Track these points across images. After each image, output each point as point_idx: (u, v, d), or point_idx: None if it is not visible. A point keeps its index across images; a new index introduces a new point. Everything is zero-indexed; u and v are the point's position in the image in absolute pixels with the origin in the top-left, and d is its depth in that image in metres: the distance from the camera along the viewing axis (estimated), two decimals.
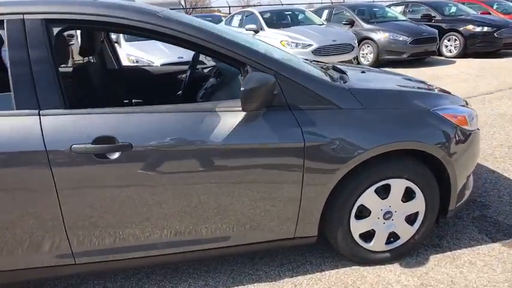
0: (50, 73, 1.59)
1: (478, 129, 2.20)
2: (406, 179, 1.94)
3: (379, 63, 8.43)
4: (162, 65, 5.67)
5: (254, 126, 1.72)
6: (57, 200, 1.62)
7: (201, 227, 1.81)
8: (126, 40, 6.83)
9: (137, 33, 1.73)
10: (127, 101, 3.00)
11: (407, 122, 1.89)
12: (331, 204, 1.92)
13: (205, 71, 3.00)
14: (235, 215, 1.81)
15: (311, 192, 1.83)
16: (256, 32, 8.11)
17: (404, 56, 8.18)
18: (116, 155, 1.62)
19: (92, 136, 1.60)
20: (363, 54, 8.69)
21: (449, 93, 2.32)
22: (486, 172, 3.13)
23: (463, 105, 2.20)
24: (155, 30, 1.68)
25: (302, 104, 1.79)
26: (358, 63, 8.64)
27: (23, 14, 1.60)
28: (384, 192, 1.96)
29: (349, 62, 7.58)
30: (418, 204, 2.02)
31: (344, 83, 2.02)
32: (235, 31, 2.48)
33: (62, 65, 2.18)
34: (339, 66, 2.51)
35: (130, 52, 6.26)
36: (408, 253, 2.15)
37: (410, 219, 2.07)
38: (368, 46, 8.56)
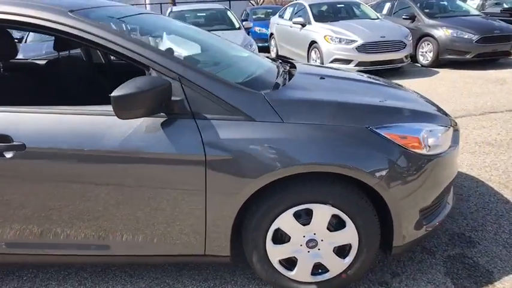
0: None
1: (450, 148, 1.84)
2: (332, 206, 1.69)
3: (438, 62, 7.60)
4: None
5: (151, 134, 1.61)
6: None
7: (90, 232, 1.75)
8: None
9: (37, 30, 1.71)
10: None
11: (332, 141, 1.63)
12: (245, 224, 1.75)
13: None
14: (134, 224, 1.73)
15: (217, 209, 1.68)
16: (303, 25, 7.84)
17: (468, 56, 7.25)
18: (11, 154, 1.63)
19: None
20: (422, 52, 7.91)
21: (442, 111, 2.00)
22: (497, 201, 2.63)
23: (442, 125, 1.85)
24: (52, 28, 1.65)
25: (208, 113, 1.63)
26: (416, 62, 7.90)
27: None
28: (306, 217, 1.73)
29: (400, 60, 6.97)
30: (349, 235, 1.74)
31: (277, 88, 1.81)
32: (177, 28, 2.43)
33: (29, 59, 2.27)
34: (300, 65, 2.28)
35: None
36: (342, 286, 1.88)
37: (344, 251, 1.80)
38: (428, 44, 7.76)
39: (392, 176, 1.65)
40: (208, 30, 6.49)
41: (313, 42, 7.45)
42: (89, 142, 1.61)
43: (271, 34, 10.06)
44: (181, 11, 7.82)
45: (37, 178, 1.65)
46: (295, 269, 1.81)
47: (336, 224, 1.74)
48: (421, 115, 1.88)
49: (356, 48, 6.65)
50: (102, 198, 1.67)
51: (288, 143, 1.61)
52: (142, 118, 1.60)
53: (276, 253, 1.79)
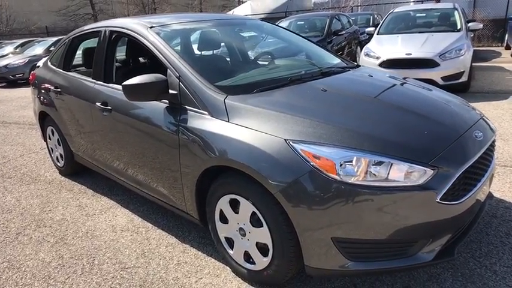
0: None
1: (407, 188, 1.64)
2: (252, 204, 1.88)
3: None
4: (389, 59, 5.83)
5: (157, 112, 2.31)
6: None
7: (129, 166, 2.74)
8: (378, 33, 7.09)
9: (131, 39, 2.66)
10: None
11: (255, 145, 1.81)
12: (208, 197, 2.17)
13: None
14: (148, 172, 2.50)
15: (186, 178, 2.19)
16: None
17: None
18: (106, 113, 2.71)
19: None
20: None
21: None
22: None
23: (407, 161, 1.67)
24: (136, 38, 2.57)
25: (189, 106, 2.16)
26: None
27: None
28: (238, 207, 1.98)
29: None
30: (265, 235, 1.88)
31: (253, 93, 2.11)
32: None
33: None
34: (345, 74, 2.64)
35: (370, 46, 6.57)
36: (268, 284, 2.00)
37: (266, 250, 1.93)
38: None
39: (294, 190, 1.68)
40: (425, 32, 6.22)
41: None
42: (133, 109, 2.49)
43: None
44: (405, 11, 7.62)
45: (115, 126, 2.70)
46: (233, 249, 2.11)
47: (257, 221, 1.91)
48: (371, 142, 1.71)
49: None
50: (132, 142, 2.55)
51: (225, 138, 1.93)
52: (157, 102, 2.29)
53: (221, 230, 2.15)
